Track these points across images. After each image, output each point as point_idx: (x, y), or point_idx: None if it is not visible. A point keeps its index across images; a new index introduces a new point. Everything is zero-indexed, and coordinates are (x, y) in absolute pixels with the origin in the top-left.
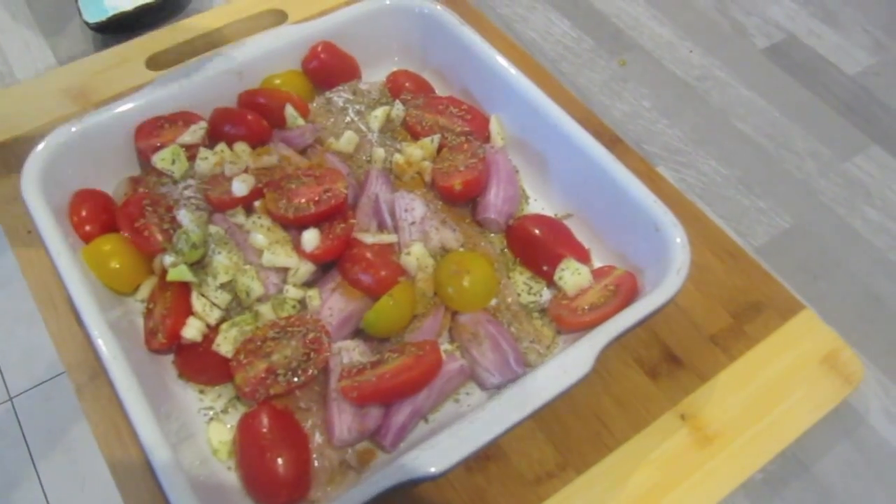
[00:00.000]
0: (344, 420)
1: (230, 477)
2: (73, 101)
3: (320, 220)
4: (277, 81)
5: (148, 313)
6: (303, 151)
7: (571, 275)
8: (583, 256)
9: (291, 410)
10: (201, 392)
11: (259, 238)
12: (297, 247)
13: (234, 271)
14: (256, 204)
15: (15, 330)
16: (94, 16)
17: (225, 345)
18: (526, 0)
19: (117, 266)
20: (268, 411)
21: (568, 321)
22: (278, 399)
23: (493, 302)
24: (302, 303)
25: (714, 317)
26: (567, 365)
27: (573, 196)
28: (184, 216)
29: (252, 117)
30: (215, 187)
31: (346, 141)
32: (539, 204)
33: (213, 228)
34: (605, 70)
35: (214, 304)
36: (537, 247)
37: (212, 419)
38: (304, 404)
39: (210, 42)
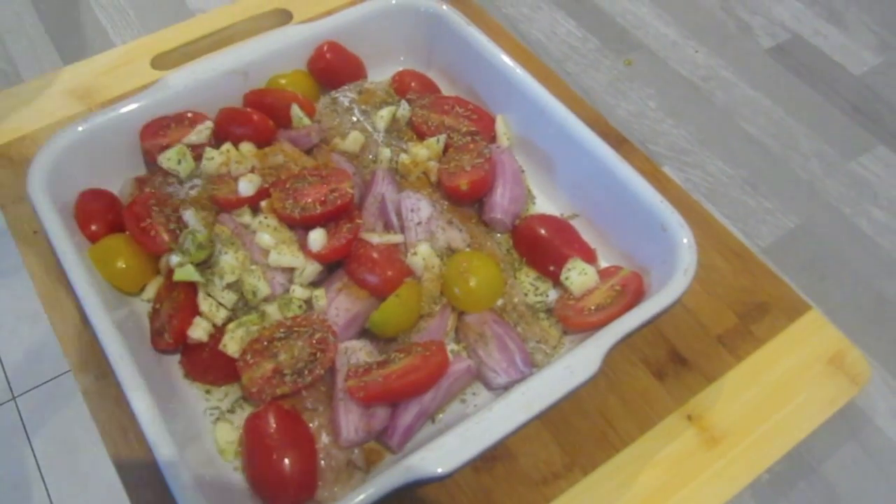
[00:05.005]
0: (351, 420)
1: (236, 477)
2: (78, 100)
3: (327, 220)
4: (283, 81)
5: (154, 313)
6: (309, 151)
7: (578, 275)
8: (589, 257)
9: (298, 411)
10: (207, 392)
11: (265, 238)
12: (303, 247)
13: (240, 271)
14: (263, 204)
15: (18, 329)
16: None
17: (231, 345)
18: (531, 0)
19: (123, 266)
20: (274, 411)
21: (574, 321)
22: (285, 399)
23: (500, 302)
24: (308, 303)
25: (720, 317)
26: (573, 365)
27: (579, 196)
28: (190, 216)
29: (258, 117)
30: (221, 187)
31: (352, 141)
32: (545, 204)
33: (219, 228)
34: (611, 70)
35: (221, 304)
36: (544, 247)
37: (218, 419)
38: (311, 404)
39: (215, 42)
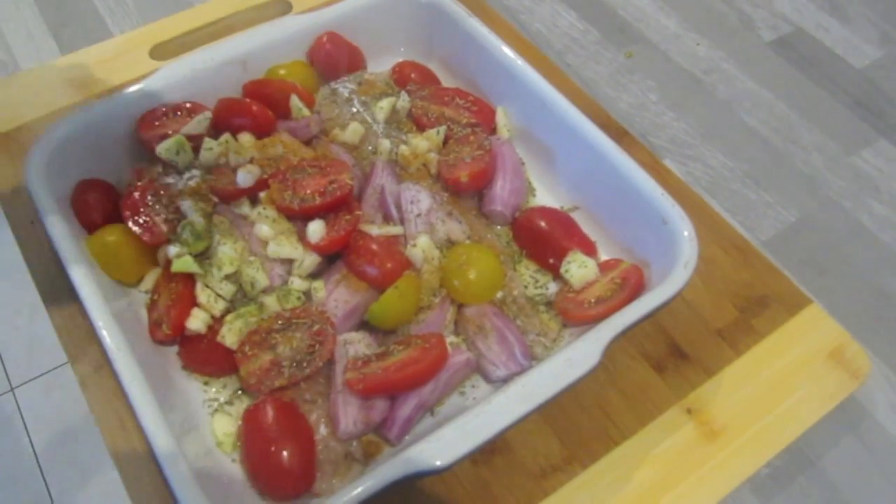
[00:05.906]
0: (349, 412)
1: (234, 469)
2: (76, 90)
3: (326, 212)
4: (282, 72)
5: (152, 304)
6: (308, 142)
7: (578, 268)
8: (589, 249)
9: (296, 403)
10: (206, 384)
11: (264, 229)
12: (302, 238)
13: (239, 262)
14: (261, 195)
15: (16, 320)
16: None
17: (230, 336)
18: None
19: (121, 257)
20: (273, 403)
21: (574, 314)
22: (283, 391)
23: (499, 294)
24: (307, 294)
25: (721, 311)
26: (573, 358)
27: (580, 188)
28: (188, 207)
29: (257, 108)
30: (220, 178)
31: (352, 132)
32: (545, 196)
33: (217, 219)
34: (612, 62)
35: (219, 296)
36: (544, 239)
37: (216, 411)
38: (310, 396)
39: (214, 32)
